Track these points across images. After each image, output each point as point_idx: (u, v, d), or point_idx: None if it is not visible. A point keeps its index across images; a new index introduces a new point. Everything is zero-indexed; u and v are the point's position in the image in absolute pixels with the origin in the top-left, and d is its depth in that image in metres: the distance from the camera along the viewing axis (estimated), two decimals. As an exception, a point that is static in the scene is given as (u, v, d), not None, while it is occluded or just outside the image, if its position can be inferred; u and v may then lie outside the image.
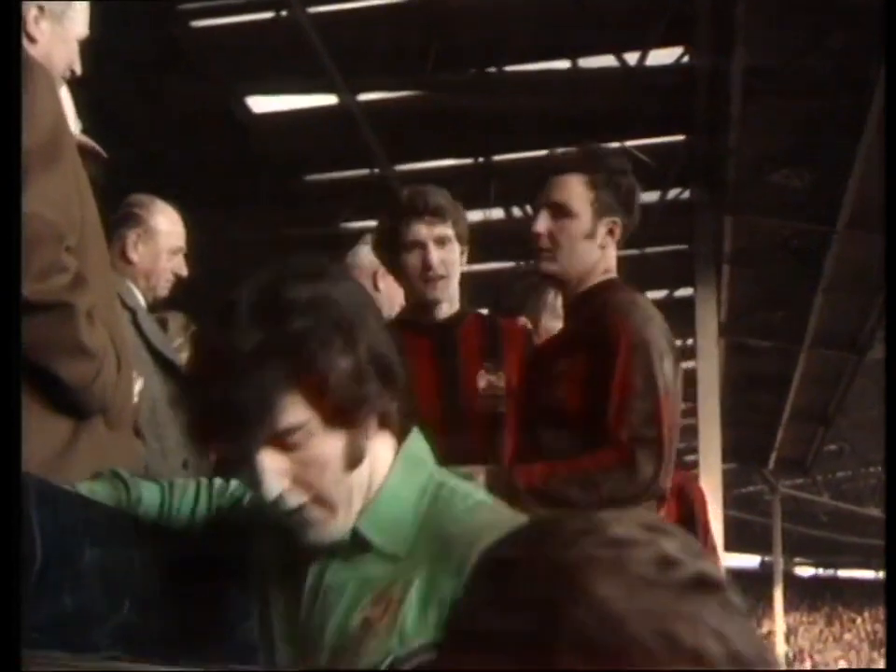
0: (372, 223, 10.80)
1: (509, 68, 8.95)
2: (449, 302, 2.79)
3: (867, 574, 28.54)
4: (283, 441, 1.38)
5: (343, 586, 1.46)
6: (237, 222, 10.00)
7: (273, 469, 1.39)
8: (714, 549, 4.54)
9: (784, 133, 9.06)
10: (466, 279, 2.94)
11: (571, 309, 2.67)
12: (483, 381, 2.66)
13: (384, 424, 1.48)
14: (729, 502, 13.38)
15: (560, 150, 2.75)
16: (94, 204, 2.03)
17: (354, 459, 1.43)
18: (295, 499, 1.42)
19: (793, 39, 7.96)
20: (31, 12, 2.12)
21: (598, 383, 2.42)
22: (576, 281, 2.59)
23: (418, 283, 2.76)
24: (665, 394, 2.42)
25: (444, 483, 1.50)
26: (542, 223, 2.56)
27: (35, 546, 1.34)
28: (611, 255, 2.61)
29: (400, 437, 1.53)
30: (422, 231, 2.75)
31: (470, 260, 2.88)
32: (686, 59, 8.84)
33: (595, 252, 2.56)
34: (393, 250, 2.81)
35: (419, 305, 2.80)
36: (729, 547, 11.57)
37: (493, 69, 8.95)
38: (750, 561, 28.54)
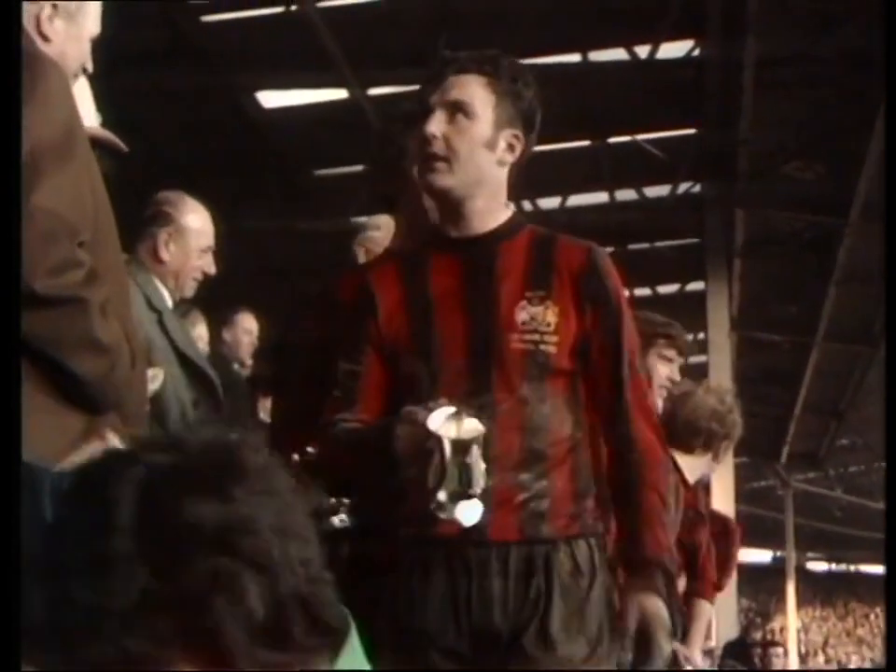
0: (382, 217, 10.64)
1: (519, 61, 8.91)
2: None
3: (880, 569, 28.46)
4: None
5: None
6: (248, 216, 10.00)
7: None
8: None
9: (796, 125, 9.03)
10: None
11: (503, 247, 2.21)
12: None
13: None
14: (741, 497, 13.36)
15: (462, 53, 2.25)
16: (107, 200, 2.04)
17: None
18: None
19: (805, 30, 7.93)
20: (45, 11, 2.11)
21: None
22: (467, 200, 2.16)
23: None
24: None
25: None
26: (437, 124, 2.10)
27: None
28: (505, 180, 2.22)
29: None
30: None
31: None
32: (697, 51, 8.82)
33: (494, 168, 2.16)
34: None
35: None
36: (742, 542, 11.52)
37: (503, 62, 8.92)
38: (763, 556, 28.48)
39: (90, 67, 2.21)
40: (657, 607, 2.06)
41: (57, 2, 2.12)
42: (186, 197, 3.29)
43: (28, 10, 2.09)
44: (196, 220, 3.29)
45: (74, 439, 1.90)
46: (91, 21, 2.19)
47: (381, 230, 3.39)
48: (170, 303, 3.26)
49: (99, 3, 2.23)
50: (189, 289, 3.33)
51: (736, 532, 4.47)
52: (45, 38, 2.10)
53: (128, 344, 2.00)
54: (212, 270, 3.30)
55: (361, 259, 3.29)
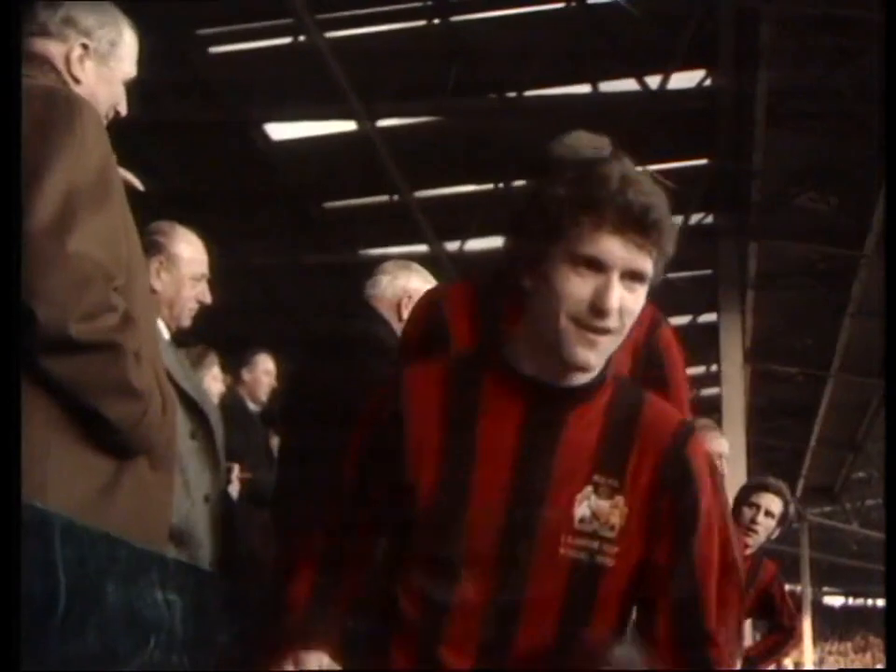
0: (392, 250, 10.72)
1: (529, 93, 8.89)
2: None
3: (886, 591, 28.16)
4: None
5: None
6: (256, 249, 9.96)
7: None
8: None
9: (809, 156, 8.96)
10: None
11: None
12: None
13: None
14: (756, 531, 13.18)
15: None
16: (138, 241, 2.02)
17: None
18: None
19: (818, 62, 7.87)
20: (75, 51, 2.06)
21: None
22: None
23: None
24: None
25: None
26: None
27: (59, 585, 1.33)
28: None
29: None
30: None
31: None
32: (708, 81, 8.76)
33: None
34: (544, 250, 1.67)
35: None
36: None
37: (513, 94, 8.89)
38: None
39: (123, 110, 2.15)
40: None
41: (88, 42, 2.08)
42: (177, 226, 3.23)
43: (57, 51, 2.05)
44: (187, 249, 3.23)
45: (103, 482, 1.87)
46: (125, 63, 2.14)
47: (388, 274, 3.30)
48: (166, 334, 3.20)
49: (135, 43, 2.18)
50: (186, 319, 3.28)
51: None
52: (75, 80, 2.06)
53: (159, 389, 1.99)
54: (207, 299, 3.23)
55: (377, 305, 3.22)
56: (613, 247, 1.62)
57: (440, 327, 2.03)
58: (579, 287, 1.63)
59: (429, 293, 2.15)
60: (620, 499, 1.66)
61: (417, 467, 1.68)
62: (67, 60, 2.05)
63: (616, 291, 1.62)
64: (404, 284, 3.31)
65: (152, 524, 1.94)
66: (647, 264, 1.65)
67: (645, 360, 2.05)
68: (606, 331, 1.64)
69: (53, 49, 2.05)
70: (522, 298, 1.71)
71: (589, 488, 1.66)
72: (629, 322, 1.66)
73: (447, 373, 1.76)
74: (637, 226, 1.63)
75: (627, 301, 1.64)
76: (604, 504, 1.66)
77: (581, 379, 1.69)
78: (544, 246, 1.66)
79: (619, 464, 1.68)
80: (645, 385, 1.88)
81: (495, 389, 1.71)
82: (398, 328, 3.04)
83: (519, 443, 1.67)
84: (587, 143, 1.95)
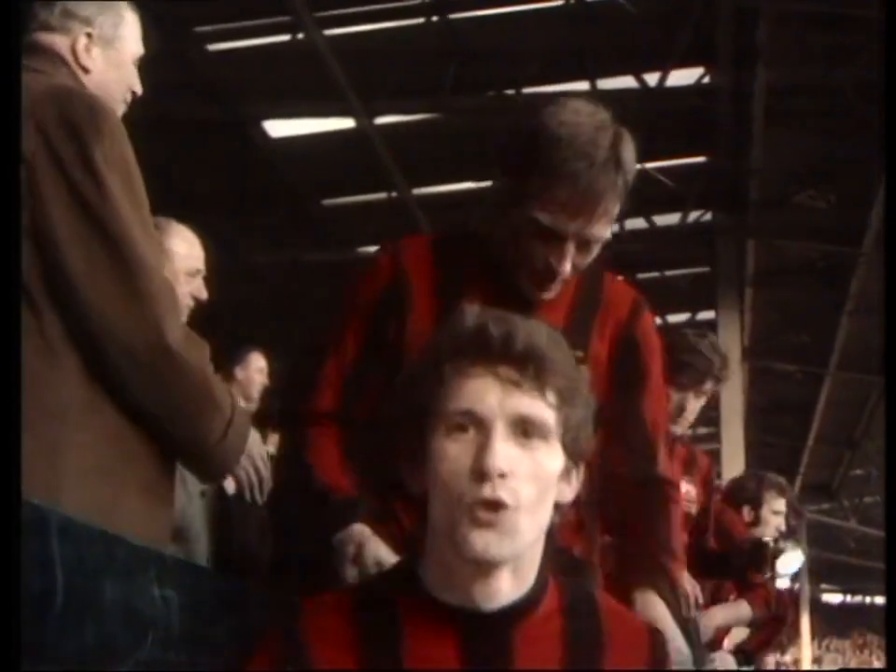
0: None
1: (527, 90, 8.88)
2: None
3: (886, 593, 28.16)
4: None
5: None
6: (254, 247, 9.95)
7: None
8: None
9: (808, 154, 8.96)
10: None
11: None
12: None
13: None
14: (754, 528, 13.19)
15: None
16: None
17: None
18: None
19: (816, 59, 7.87)
20: (80, 42, 2.06)
21: None
22: None
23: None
24: None
25: None
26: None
27: (56, 581, 1.33)
28: None
29: None
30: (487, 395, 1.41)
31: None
32: (707, 79, 8.76)
33: None
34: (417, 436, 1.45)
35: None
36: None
37: (511, 91, 8.89)
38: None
39: (138, 90, 2.15)
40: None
41: (91, 30, 2.07)
42: (172, 222, 3.22)
43: (63, 44, 2.05)
44: (182, 245, 3.22)
45: (113, 482, 1.86)
46: (131, 43, 2.13)
47: None
48: None
49: (137, 20, 2.17)
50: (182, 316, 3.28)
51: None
52: (85, 70, 2.05)
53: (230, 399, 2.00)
54: (203, 295, 3.23)
55: None
56: (485, 394, 1.31)
57: (400, 283, 1.89)
58: (456, 453, 1.31)
59: (388, 249, 1.93)
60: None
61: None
62: (74, 51, 2.04)
63: (498, 448, 1.29)
64: None
65: (158, 522, 1.93)
66: (536, 409, 1.31)
67: (623, 349, 1.96)
68: (497, 505, 1.28)
69: (59, 42, 2.04)
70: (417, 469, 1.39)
71: None
72: (531, 492, 1.30)
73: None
74: (505, 360, 1.31)
75: (517, 462, 1.30)
76: None
77: (509, 594, 1.34)
78: (417, 434, 1.35)
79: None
80: (620, 381, 1.94)
81: (414, 622, 1.36)
82: None
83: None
84: (586, 117, 1.80)
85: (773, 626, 4.61)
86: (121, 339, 1.79)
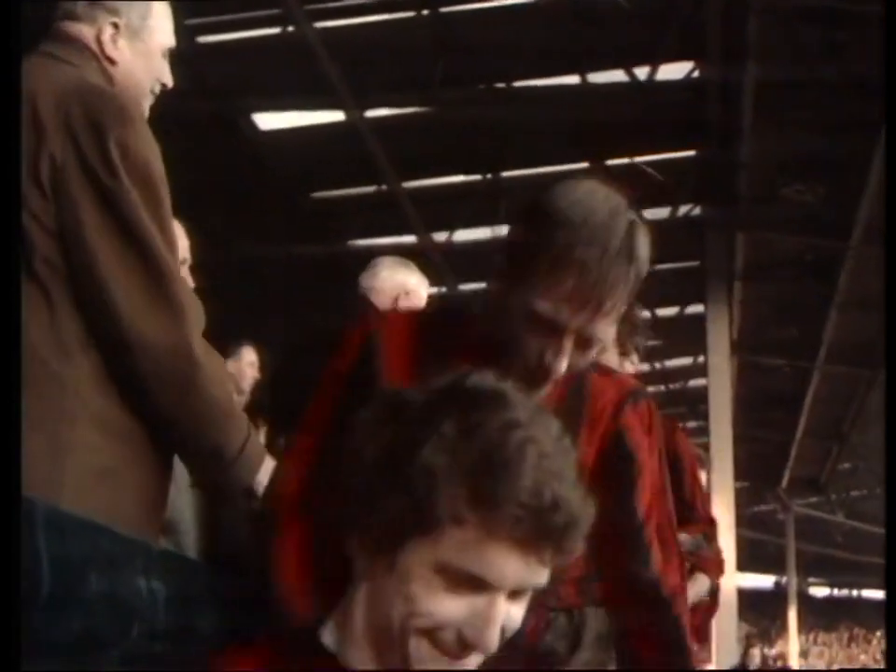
0: (380, 241, 10.67)
1: (518, 83, 8.88)
2: None
3: (883, 594, 28.30)
4: None
5: None
6: (243, 239, 9.94)
7: None
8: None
9: (797, 147, 8.98)
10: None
11: None
12: None
13: None
14: (742, 521, 13.26)
15: None
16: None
17: None
18: None
19: (805, 51, 7.88)
20: (106, 32, 2.00)
21: None
22: None
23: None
24: None
25: None
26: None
27: (42, 571, 1.32)
28: None
29: None
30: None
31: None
32: (696, 73, 8.77)
33: None
34: None
35: None
36: (742, 567, 11.46)
37: (502, 84, 8.88)
38: (764, 581, 28.34)
39: (168, 82, 2.11)
40: None
41: (118, 20, 2.02)
42: None
43: (89, 34, 2.00)
44: None
45: (107, 468, 1.84)
46: (159, 34, 2.08)
47: (387, 269, 3.28)
48: None
49: (167, 10, 2.12)
50: None
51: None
52: (111, 61, 2.01)
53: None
54: (190, 285, 3.23)
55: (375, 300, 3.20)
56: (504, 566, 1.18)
57: (371, 359, 1.71)
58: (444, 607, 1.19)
59: (363, 320, 1.80)
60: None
61: None
62: (99, 42, 2.00)
63: (497, 620, 1.19)
64: (403, 279, 3.31)
65: (152, 526, 1.93)
66: (544, 578, 1.22)
67: (610, 446, 1.77)
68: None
69: (85, 31, 1.99)
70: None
71: None
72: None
73: (420, 326, 1.75)
74: (543, 536, 1.16)
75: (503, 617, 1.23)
76: None
77: None
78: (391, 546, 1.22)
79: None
80: (609, 482, 1.66)
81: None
82: None
83: None
84: (602, 201, 1.59)
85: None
86: (151, 347, 1.76)
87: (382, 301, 3.20)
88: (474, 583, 1.13)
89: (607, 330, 1.60)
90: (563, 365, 1.59)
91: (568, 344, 1.58)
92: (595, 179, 1.66)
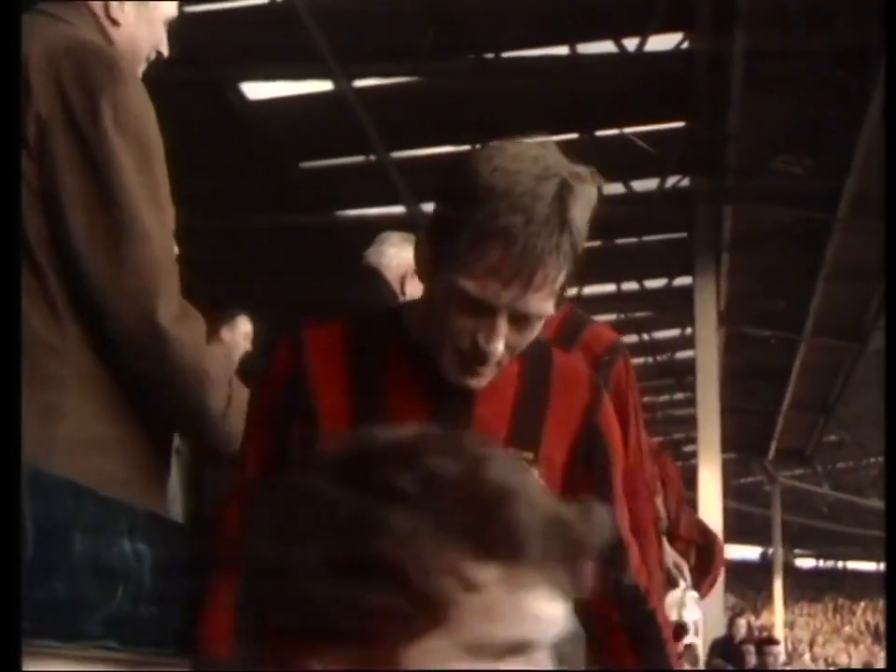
0: (368, 211, 10.61)
1: (507, 54, 8.85)
2: None
3: (868, 566, 28.51)
4: None
5: None
6: (231, 210, 9.91)
7: None
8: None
9: (785, 119, 8.98)
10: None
11: None
12: None
13: None
14: (728, 493, 13.33)
15: None
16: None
17: None
18: None
19: (795, 25, 7.87)
20: None
21: None
22: None
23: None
24: None
25: None
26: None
27: (26, 534, 1.33)
28: None
29: None
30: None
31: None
32: (686, 44, 8.74)
33: None
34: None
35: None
36: (729, 538, 11.51)
37: (491, 55, 8.85)
38: (751, 553, 28.52)
39: (164, 50, 2.10)
40: None
41: None
42: None
43: None
44: None
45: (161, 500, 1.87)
46: (165, 4, 2.08)
47: (394, 246, 3.23)
48: None
49: None
50: None
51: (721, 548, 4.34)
52: (114, 22, 1.99)
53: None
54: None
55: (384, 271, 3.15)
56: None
57: (301, 381, 1.60)
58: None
59: (288, 335, 1.66)
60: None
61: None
62: (106, 2, 1.98)
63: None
64: (410, 257, 3.27)
65: (153, 499, 1.91)
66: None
67: (584, 442, 1.66)
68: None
69: None
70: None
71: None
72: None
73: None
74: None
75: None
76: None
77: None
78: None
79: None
80: (583, 479, 1.64)
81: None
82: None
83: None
84: (528, 163, 1.49)
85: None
86: (113, 310, 1.75)
87: (389, 279, 3.15)
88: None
89: (542, 306, 1.48)
90: (499, 347, 1.48)
91: (502, 324, 1.47)
92: (527, 141, 1.56)
